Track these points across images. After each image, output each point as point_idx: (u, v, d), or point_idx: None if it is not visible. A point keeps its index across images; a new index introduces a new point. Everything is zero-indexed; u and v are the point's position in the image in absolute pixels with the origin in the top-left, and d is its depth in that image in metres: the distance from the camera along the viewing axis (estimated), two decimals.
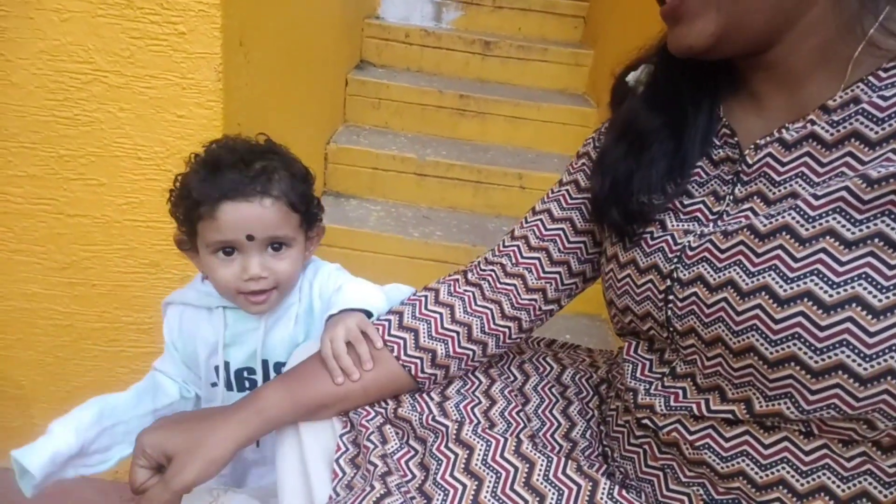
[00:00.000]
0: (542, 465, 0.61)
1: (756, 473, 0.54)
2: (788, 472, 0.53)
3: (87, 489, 1.31)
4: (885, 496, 0.50)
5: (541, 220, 0.77)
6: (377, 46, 2.49)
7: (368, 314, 0.74)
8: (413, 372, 0.72)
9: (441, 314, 0.75)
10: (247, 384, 0.83)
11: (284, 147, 0.81)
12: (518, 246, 0.77)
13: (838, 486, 0.51)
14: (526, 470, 0.61)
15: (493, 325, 0.75)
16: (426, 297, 0.78)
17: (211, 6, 1.01)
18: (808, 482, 0.52)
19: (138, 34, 1.02)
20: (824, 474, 0.52)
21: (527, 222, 0.78)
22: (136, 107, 1.06)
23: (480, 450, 0.64)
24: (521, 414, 0.73)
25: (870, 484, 0.51)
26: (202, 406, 0.87)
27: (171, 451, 0.64)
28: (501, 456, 0.63)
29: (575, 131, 2.31)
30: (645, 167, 0.63)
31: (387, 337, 0.73)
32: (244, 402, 0.68)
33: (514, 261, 0.76)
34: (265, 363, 0.82)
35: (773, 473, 0.53)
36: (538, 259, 0.75)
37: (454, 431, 0.66)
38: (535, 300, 0.76)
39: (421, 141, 2.22)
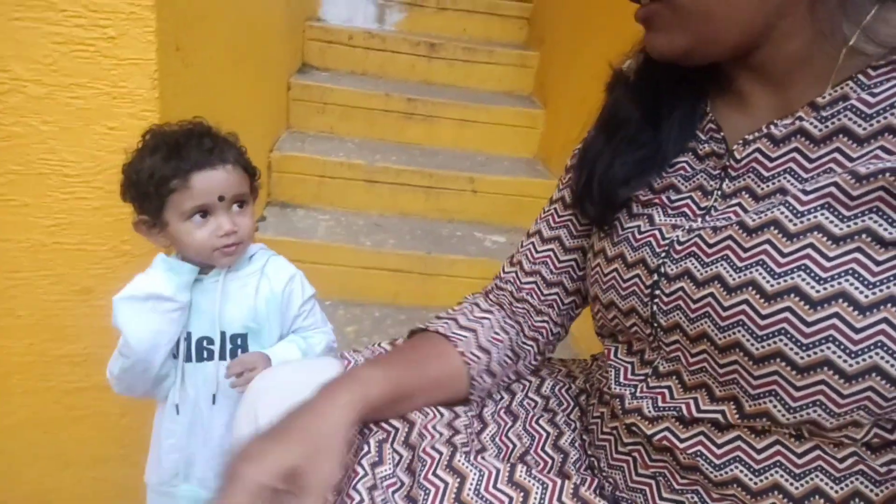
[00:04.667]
0: (536, 493, 0.58)
1: (750, 479, 0.53)
2: (782, 476, 0.52)
3: None
4: (877, 494, 0.51)
5: (532, 242, 0.78)
6: (320, 49, 2.42)
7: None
8: (470, 373, 0.71)
9: (489, 319, 0.76)
10: (204, 354, 0.91)
11: (213, 125, 0.92)
12: (515, 272, 0.78)
13: (832, 488, 0.51)
14: (521, 500, 0.58)
15: (520, 342, 0.77)
16: (464, 312, 0.77)
17: (144, 8, 0.93)
18: (802, 485, 0.52)
19: (61, 39, 0.93)
20: (817, 476, 0.51)
21: (521, 246, 0.79)
22: (61, 119, 0.97)
23: (473, 479, 0.60)
24: (512, 434, 0.71)
25: (862, 483, 0.51)
26: (159, 385, 0.91)
27: (295, 462, 0.52)
28: (495, 486, 0.60)
29: (523, 133, 2.32)
30: (621, 158, 0.64)
31: (451, 333, 0.72)
32: (341, 384, 0.60)
33: (517, 286, 0.77)
34: (223, 334, 0.90)
35: (767, 478, 0.53)
36: (535, 283, 0.76)
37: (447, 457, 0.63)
38: (546, 322, 0.77)
39: (369, 146, 2.16)
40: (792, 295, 0.48)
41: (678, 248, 0.57)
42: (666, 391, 0.59)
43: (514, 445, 0.71)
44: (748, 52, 0.54)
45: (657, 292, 0.58)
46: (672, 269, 0.57)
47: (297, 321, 0.95)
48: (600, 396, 0.70)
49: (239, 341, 0.91)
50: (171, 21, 1.00)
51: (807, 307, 0.47)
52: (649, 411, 0.59)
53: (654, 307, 0.59)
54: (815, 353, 0.47)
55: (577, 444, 0.72)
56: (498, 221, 2.10)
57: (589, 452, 0.70)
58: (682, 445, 0.57)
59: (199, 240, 0.85)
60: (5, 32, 0.91)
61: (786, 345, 0.48)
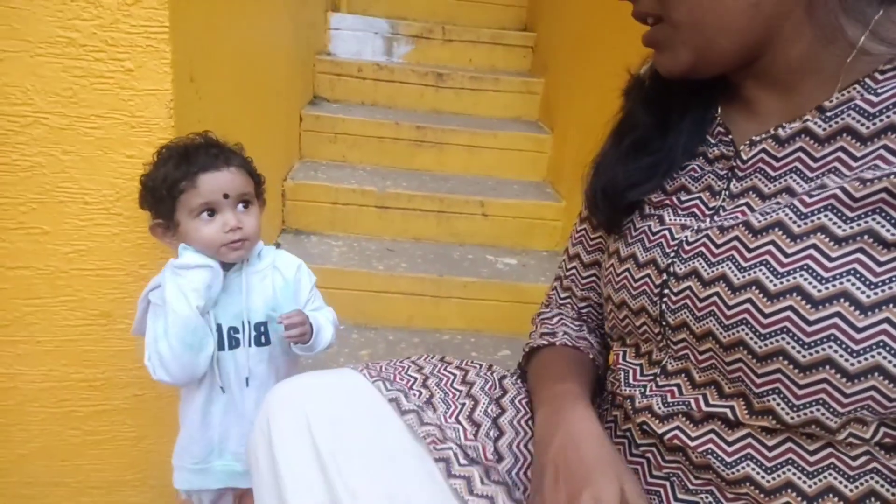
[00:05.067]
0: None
1: (763, 477, 0.53)
2: (795, 475, 0.52)
3: None
4: (893, 494, 0.50)
5: (563, 259, 0.85)
6: (330, 82, 2.47)
7: None
8: (598, 372, 0.77)
9: (584, 326, 0.82)
10: (234, 342, 0.99)
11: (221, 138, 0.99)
12: (570, 298, 0.84)
13: (846, 487, 0.51)
14: None
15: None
16: (564, 323, 0.82)
17: (160, 41, 0.97)
18: (815, 483, 0.51)
19: (81, 72, 0.97)
20: (831, 475, 0.51)
21: (567, 270, 0.85)
22: (80, 148, 1.00)
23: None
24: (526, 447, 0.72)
25: (877, 482, 0.50)
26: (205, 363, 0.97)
27: (618, 489, 0.54)
28: (471, 493, 0.62)
29: (531, 157, 2.34)
30: (628, 163, 0.66)
31: (575, 343, 0.78)
32: (567, 403, 0.63)
33: (576, 311, 0.83)
34: (248, 323, 0.99)
35: (779, 476, 0.52)
36: (590, 306, 0.83)
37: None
38: (596, 330, 0.83)
39: (380, 173, 2.19)
40: (794, 294, 0.48)
41: (687, 247, 0.58)
42: (675, 388, 0.59)
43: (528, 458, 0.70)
44: (752, 61, 0.56)
45: (666, 291, 0.59)
46: (681, 269, 0.58)
47: (308, 304, 1.04)
48: (612, 400, 0.71)
49: (262, 328, 1.00)
50: (186, 53, 1.04)
51: (809, 306, 0.48)
52: (659, 408, 0.60)
53: (663, 306, 0.59)
54: (817, 351, 0.47)
55: None
56: (509, 244, 2.11)
57: None
58: (693, 444, 0.57)
59: (208, 235, 0.92)
60: (29, 68, 0.95)
61: (788, 343, 0.48)
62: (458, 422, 0.72)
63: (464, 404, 0.75)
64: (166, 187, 0.90)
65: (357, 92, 2.50)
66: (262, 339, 1.01)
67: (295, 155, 2.21)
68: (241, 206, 0.95)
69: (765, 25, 0.53)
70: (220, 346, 0.98)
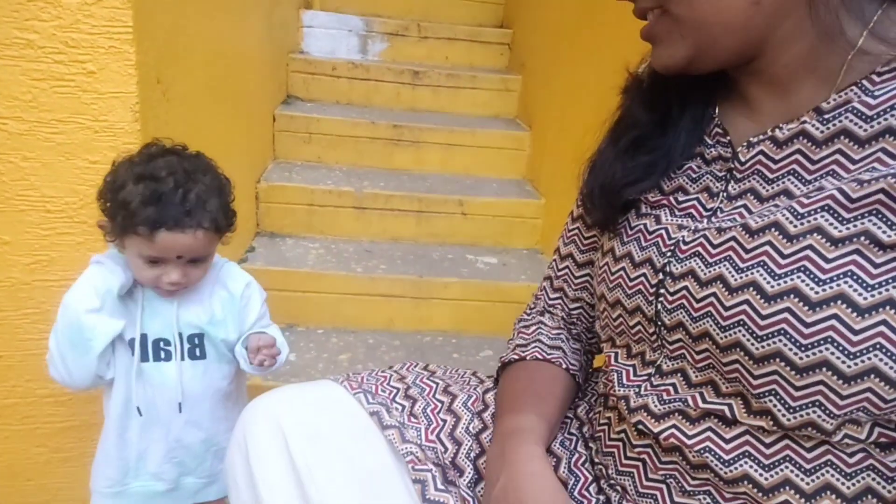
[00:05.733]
0: None
1: (760, 475, 0.53)
2: (793, 472, 0.52)
3: None
4: (890, 491, 0.50)
5: (554, 260, 0.83)
6: (304, 81, 2.43)
7: None
8: (577, 380, 0.77)
9: (563, 333, 0.81)
10: (162, 354, 0.92)
11: (207, 158, 0.91)
12: (561, 298, 0.82)
13: (843, 484, 0.51)
14: None
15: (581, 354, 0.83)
16: (541, 332, 0.81)
17: (123, 42, 0.94)
18: (813, 481, 0.51)
19: (41, 75, 0.93)
20: (828, 472, 0.51)
21: (558, 270, 0.83)
22: (41, 154, 0.97)
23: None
24: None
25: (874, 480, 0.50)
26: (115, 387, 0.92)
27: None
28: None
29: (510, 155, 2.33)
30: (626, 161, 0.65)
31: (548, 356, 0.77)
32: (525, 443, 0.64)
33: (566, 312, 0.82)
34: (179, 335, 0.93)
35: (777, 474, 0.52)
36: (581, 307, 0.81)
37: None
38: (581, 335, 0.82)
39: (356, 174, 2.16)
40: (791, 296, 0.48)
41: (683, 247, 0.58)
42: (670, 388, 0.59)
43: None
44: (752, 59, 0.55)
45: (662, 291, 0.59)
46: (677, 269, 0.58)
47: (257, 323, 0.99)
48: (605, 402, 0.70)
49: (196, 341, 0.94)
50: (151, 54, 1.00)
51: (806, 308, 0.47)
52: (655, 407, 0.59)
53: (659, 306, 0.59)
54: (814, 353, 0.47)
55: (580, 464, 0.71)
56: (489, 243, 2.10)
57: (596, 461, 0.69)
58: (690, 442, 0.56)
59: (144, 278, 0.87)
60: None
61: (785, 345, 0.48)
62: (439, 440, 0.71)
63: (445, 420, 0.73)
64: (124, 216, 0.82)
65: (332, 91, 2.46)
66: (197, 353, 0.94)
67: (269, 156, 2.17)
68: (192, 262, 0.88)
69: (765, 23, 0.52)
70: (144, 358, 0.91)
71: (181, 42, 1.16)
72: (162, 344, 0.92)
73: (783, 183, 0.54)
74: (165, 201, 0.81)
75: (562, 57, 2.10)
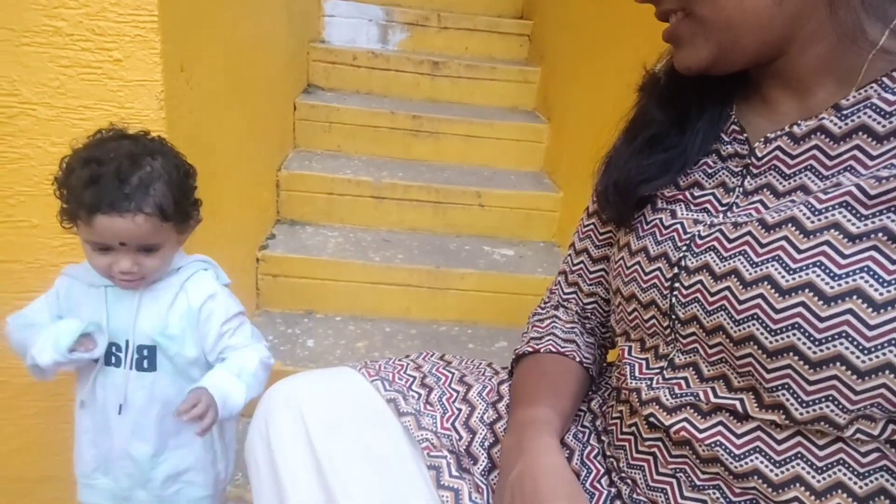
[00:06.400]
0: None
1: (771, 471, 0.53)
2: (804, 469, 0.52)
3: None
4: None
5: (569, 255, 0.84)
6: (325, 70, 2.44)
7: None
8: (591, 373, 0.78)
9: (576, 327, 0.82)
10: (112, 359, 0.89)
11: (167, 144, 0.87)
12: (575, 293, 0.83)
13: (855, 483, 0.51)
14: None
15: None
16: (555, 325, 0.81)
17: (149, 31, 0.95)
18: (824, 478, 0.51)
19: (68, 62, 0.95)
20: (840, 470, 0.51)
21: (573, 265, 0.83)
22: (69, 140, 0.98)
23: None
24: None
25: (887, 480, 0.50)
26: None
27: None
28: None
29: (528, 147, 2.32)
30: (642, 158, 0.66)
31: (562, 349, 0.78)
32: (540, 435, 0.65)
33: (580, 307, 0.82)
34: (126, 344, 0.88)
35: (788, 470, 0.52)
36: (595, 302, 0.81)
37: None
38: (595, 329, 0.83)
39: (375, 163, 2.17)
40: (806, 290, 0.48)
41: (699, 241, 0.58)
42: (682, 381, 0.59)
43: None
44: (773, 59, 0.56)
45: (677, 285, 0.59)
46: (692, 263, 0.58)
47: (222, 340, 0.91)
48: (618, 395, 0.70)
49: (146, 352, 0.88)
50: (176, 42, 1.02)
51: (821, 303, 0.48)
52: (667, 400, 0.59)
53: (673, 299, 0.59)
54: (829, 347, 0.47)
55: (592, 456, 0.71)
56: (506, 235, 2.10)
57: (608, 454, 0.69)
58: (701, 436, 0.56)
59: (97, 266, 0.83)
60: (14, 57, 0.93)
61: (799, 339, 0.48)
62: (454, 428, 0.72)
63: (460, 409, 0.74)
64: (67, 199, 0.80)
65: (352, 80, 2.47)
66: (145, 364, 0.88)
67: (289, 144, 2.19)
68: (142, 249, 0.83)
69: (787, 24, 0.52)
70: (108, 361, 0.89)
71: (204, 31, 1.17)
72: (114, 349, 0.88)
73: (800, 178, 0.54)
74: (103, 183, 0.77)
75: (582, 49, 2.08)
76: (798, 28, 0.53)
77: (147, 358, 0.88)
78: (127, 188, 0.78)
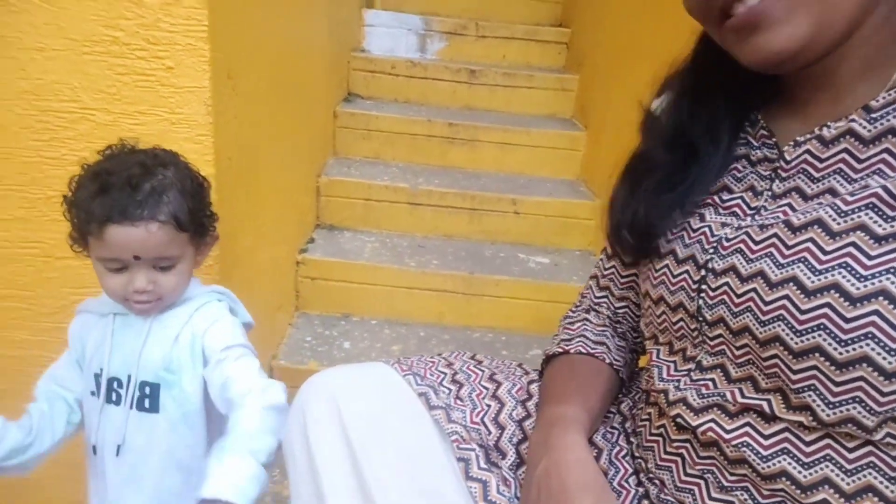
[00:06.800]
0: None
1: (799, 473, 0.52)
2: (833, 471, 0.51)
3: None
4: None
5: (601, 259, 0.85)
6: (364, 79, 2.50)
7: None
8: (621, 375, 0.78)
9: (607, 330, 0.82)
10: (113, 396, 0.82)
11: (180, 157, 0.84)
12: (606, 296, 0.83)
13: (886, 487, 0.50)
14: None
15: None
16: (586, 328, 0.81)
17: (199, 40, 0.99)
18: (854, 481, 0.51)
19: (124, 70, 1.00)
20: (870, 474, 0.50)
21: (605, 270, 0.84)
22: None
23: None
24: None
25: None
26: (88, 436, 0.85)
27: None
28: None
29: (565, 155, 2.32)
30: (655, 201, 0.66)
31: (591, 350, 0.78)
32: (568, 432, 0.65)
33: (612, 311, 0.83)
34: (129, 379, 0.81)
35: (817, 472, 0.52)
36: (626, 307, 0.82)
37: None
38: (626, 333, 0.83)
39: (412, 170, 2.21)
40: (832, 291, 0.48)
41: (726, 244, 0.59)
42: (710, 382, 0.59)
43: None
44: (829, 53, 0.52)
45: (704, 287, 0.59)
46: (719, 265, 0.58)
47: (220, 367, 0.80)
48: (647, 398, 0.71)
49: (148, 391, 0.81)
50: (224, 51, 1.06)
51: (846, 304, 0.48)
52: (694, 401, 0.60)
53: (701, 301, 0.60)
54: (855, 348, 0.47)
55: (620, 456, 0.72)
56: (541, 242, 2.10)
57: (636, 455, 0.70)
58: (728, 437, 0.56)
59: (110, 287, 0.77)
60: (76, 66, 0.99)
61: (825, 340, 0.48)
62: (483, 423, 0.73)
63: (490, 406, 0.76)
64: (76, 215, 0.75)
65: (390, 89, 2.51)
66: (147, 404, 0.81)
67: (329, 151, 2.24)
68: (158, 265, 0.78)
69: (867, 7, 0.50)
70: (108, 398, 0.82)
71: (250, 40, 1.22)
72: (115, 385, 0.82)
73: (828, 181, 0.54)
74: (113, 192, 0.72)
75: (620, 57, 2.07)
76: (867, 16, 0.51)
77: (149, 397, 0.81)
78: (139, 195, 0.73)
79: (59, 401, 0.86)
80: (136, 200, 0.73)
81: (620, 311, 0.82)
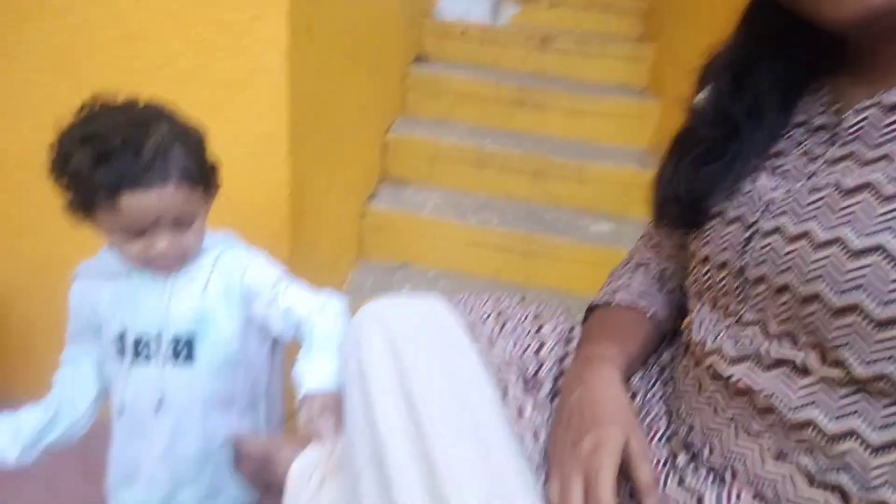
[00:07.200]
0: None
1: (826, 424, 0.53)
2: (860, 425, 0.52)
3: None
4: None
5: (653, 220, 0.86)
6: (436, 42, 2.52)
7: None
8: (661, 328, 0.80)
9: (657, 283, 0.83)
10: (143, 354, 0.83)
11: (164, 107, 0.79)
12: (640, 245, 0.87)
13: None
14: None
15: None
16: (632, 279, 0.83)
17: None
18: (882, 435, 0.51)
19: (211, 20, 1.08)
20: None
21: (651, 222, 0.85)
22: (207, 89, 1.12)
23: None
24: None
25: None
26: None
27: (623, 439, 0.61)
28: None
29: (636, 124, 2.27)
30: (695, 174, 0.67)
31: (634, 302, 0.79)
32: (604, 366, 0.68)
33: (644, 259, 0.85)
34: (159, 336, 0.82)
35: (844, 424, 0.53)
36: (655, 255, 0.84)
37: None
38: (673, 290, 0.83)
39: (479, 132, 2.22)
40: (877, 253, 0.49)
41: (774, 206, 0.59)
42: (748, 336, 0.61)
43: None
44: None
45: (749, 246, 0.60)
46: (767, 225, 0.59)
47: (274, 303, 0.84)
48: (686, 350, 0.72)
49: (182, 343, 0.82)
50: (304, 4, 1.12)
51: (890, 266, 0.48)
52: (730, 351, 0.61)
53: (747, 259, 0.61)
54: (894, 308, 0.48)
55: (655, 398, 0.74)
56: (605, 210, 2.08)
57: (669, 401, 0.72)
58: (759, 388, 0.58)
59: (131, 253, 0.76)
60: (166, 13, 1.07)
61: (865, 299, 0.49)
62: (523, 357, 0.77)
63: (531, 342, 0.79)
64: (78, 187, 0.71)
65: (461, 52, 2.52)
66: (182, 357, 0.81)
67: (398, 110, 2.29)
68: (177, 225, 0.76)
69: None
70: (136, 357, 0.82)
71: None
72: (142, 343, 0.82)
73: (886, 148, 0.54)
74: (115, 159, 0.69)
75: (699, 29, 2.00)
76: None
77: (185, 349, 0.82)
78: (143, 159, 0.70)
79: (85, 358, 0.88)
80: (143, 164, 0.70)
81: (668, 270, 0.83)
